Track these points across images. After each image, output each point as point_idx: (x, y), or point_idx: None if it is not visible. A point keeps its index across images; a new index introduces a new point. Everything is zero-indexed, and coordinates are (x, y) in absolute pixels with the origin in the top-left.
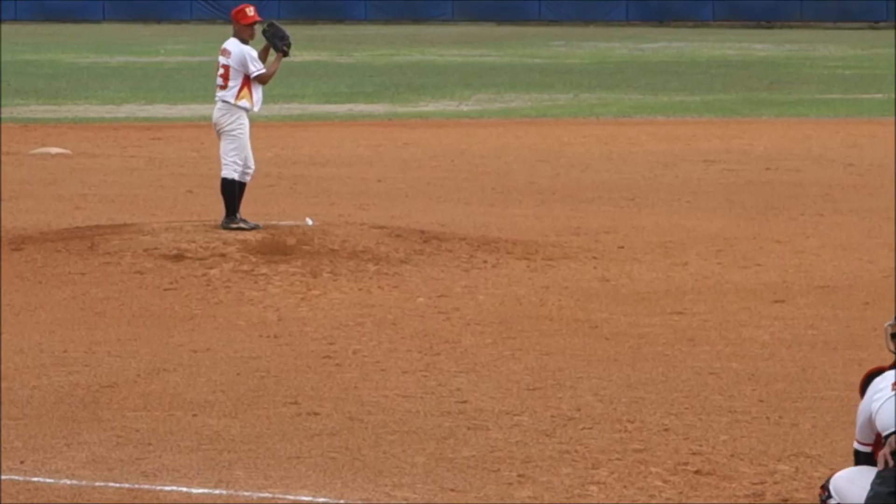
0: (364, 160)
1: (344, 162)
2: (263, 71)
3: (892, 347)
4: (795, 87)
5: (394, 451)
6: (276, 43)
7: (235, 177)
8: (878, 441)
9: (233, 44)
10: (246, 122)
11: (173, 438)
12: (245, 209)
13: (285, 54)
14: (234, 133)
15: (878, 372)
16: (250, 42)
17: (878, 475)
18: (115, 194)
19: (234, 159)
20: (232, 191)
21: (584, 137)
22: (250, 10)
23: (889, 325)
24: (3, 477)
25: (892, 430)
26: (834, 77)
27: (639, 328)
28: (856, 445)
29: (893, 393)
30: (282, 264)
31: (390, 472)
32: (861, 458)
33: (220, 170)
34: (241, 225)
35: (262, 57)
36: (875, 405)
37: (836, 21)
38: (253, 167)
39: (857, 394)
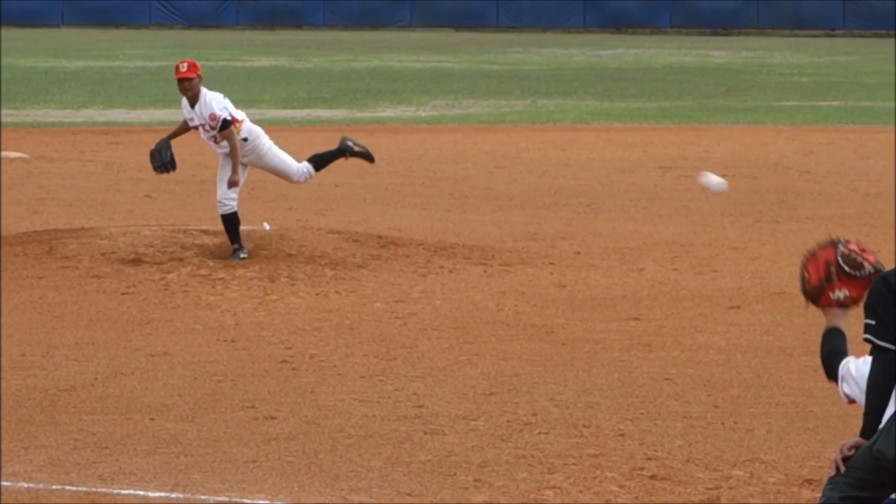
0: None
1: None
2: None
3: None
4: (752, 94)
5: (350, 456)
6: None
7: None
8: None
9: (188, 107)
10: (263, 139)
11: (130, 442)
12: (202, 214)
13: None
14: (270, 152)
15: None
16: (189, 96)
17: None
18: (73, 198)
19: (232, 195)
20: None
21: (541, 143)
22: (183, 66)
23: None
24: None
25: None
26: (790, 84)
27: (595, 334)
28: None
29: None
30: (239, 269)
31: (347, 476)
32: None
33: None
34: (239, 255)
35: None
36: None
37: (793, 29)
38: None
39: (810, 399)
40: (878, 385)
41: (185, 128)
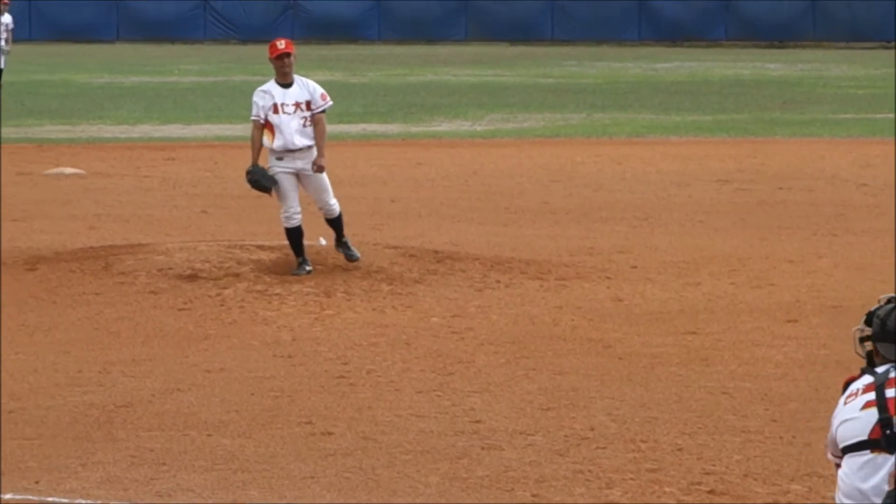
0: (377, 180)
1: (357, 182)
2: (252, 121)
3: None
4: (808, 107)
5: (408, 471)
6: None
7: (285, 224)
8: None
9: (276, 92)
10: (276, 166)
11: (188, 458)
12: (258, 229)
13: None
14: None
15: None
16: (288, 72)
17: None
18: (129, 214)
19: (282, 207)
20: (289, 238)
21: (597, 157)
22: (280, 43)
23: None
24: (18, 497)
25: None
26: (847, 97)
27: (652, 348)
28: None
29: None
30: (295, 284)
31: (404, 491)
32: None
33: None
34: (304, 268)
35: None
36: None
37: (849, 41)
38: (291, 210)
39: None
40: None
41: (259, 145)
